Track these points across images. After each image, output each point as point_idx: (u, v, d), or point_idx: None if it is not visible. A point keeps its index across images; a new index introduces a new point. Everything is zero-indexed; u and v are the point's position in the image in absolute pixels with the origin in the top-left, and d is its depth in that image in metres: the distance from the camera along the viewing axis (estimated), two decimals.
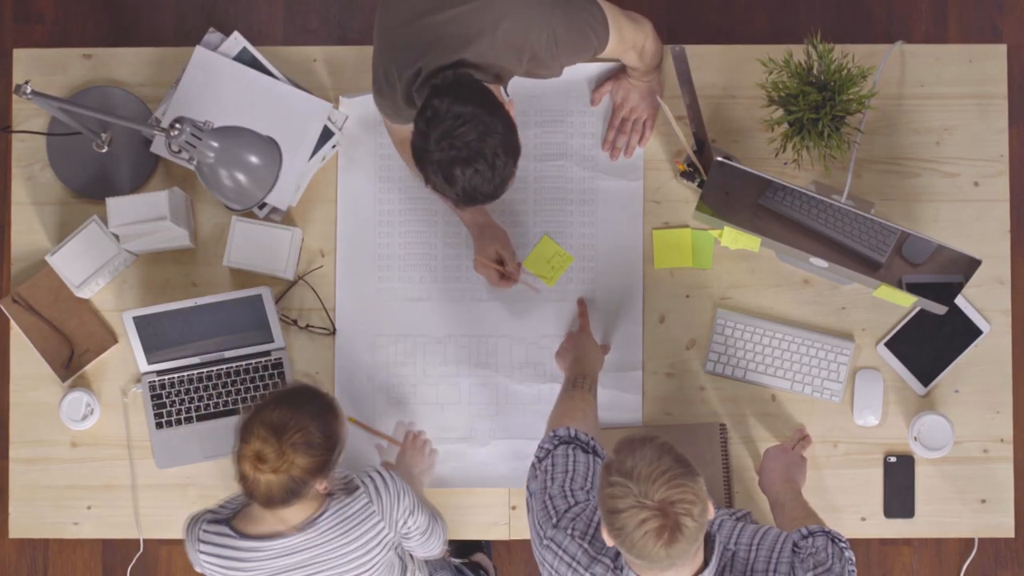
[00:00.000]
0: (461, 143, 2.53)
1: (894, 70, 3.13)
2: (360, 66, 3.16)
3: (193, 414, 3.10)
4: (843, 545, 2.58)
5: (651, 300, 3.12)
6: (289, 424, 2.52)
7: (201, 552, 2.66)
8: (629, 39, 2.85)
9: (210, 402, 3.10)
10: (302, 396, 2.58)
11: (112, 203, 3.00)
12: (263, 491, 2.53)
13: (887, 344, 3.08)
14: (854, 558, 2.64)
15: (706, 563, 2.45)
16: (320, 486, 2.58)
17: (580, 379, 2.87)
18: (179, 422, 3.10)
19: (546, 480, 2.63)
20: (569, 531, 2.57)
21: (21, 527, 3.12)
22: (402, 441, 3.06)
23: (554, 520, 2.60)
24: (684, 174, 3.10)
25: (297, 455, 2.52)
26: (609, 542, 2.40)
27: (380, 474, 2.69)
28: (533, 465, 2.67)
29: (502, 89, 2.70)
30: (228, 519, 2.67)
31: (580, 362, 2.93)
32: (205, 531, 2.66)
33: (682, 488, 2.32)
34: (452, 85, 2.57)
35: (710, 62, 3.15)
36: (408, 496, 2.71)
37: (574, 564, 2.56)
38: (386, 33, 2.70)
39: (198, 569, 2.70)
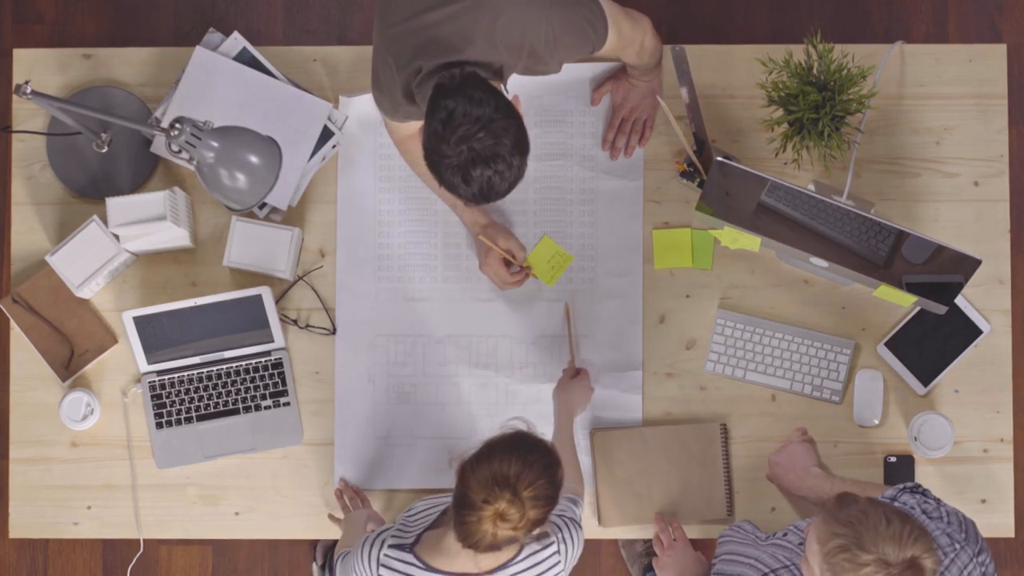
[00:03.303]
0: (480, 146, 2.54)
1: (894, 70, 3.13)
2: (359, 66, 3.16)
3: (193, 414, 3.10)
4: (922, 490, 2.66)
5: (651, 300, 3.11)
6: (525, 477, 2.46)
7: None
8: (628, 35, 2.85)
9: (210, 402, 3.10)
10: (526, 445, 2.50)
11: (112, 203, 3.00)
12: (490, 542, 2.47)
13: (887, 344, 3.08)
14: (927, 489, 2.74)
15: None
16: (536, 532, 2.54)
17: None
18: (179, 422, 3.10)
19: None
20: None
21: (21, 527, 3.12)
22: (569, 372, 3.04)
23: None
24: (684, 174, 3.10)
25: (532, 510, 2.47)
26: None
27: (569, 528, 2.67)
28: None
29: (502, 86, 2.70)
30: (412, 546, 2.62)
31: None
32: (387, 555, 2.61)
33: (918, 541, 2.35)
34: (460, 85, 2.57)
35: (710, 62, 3.15)
36: (582, 543, 2.70)
37: None
38: (385, 30, 2.70)
39: None
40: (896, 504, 2.64)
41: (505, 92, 2.67)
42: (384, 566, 2.61)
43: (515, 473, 2.45)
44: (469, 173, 2.56)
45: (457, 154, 2.55)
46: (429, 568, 2.59)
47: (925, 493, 2.67)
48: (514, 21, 2.65)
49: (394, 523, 2.71)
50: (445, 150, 2.56)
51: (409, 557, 2.60)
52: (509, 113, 2.57)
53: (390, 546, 2.62)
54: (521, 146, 2.59)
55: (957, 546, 2.56)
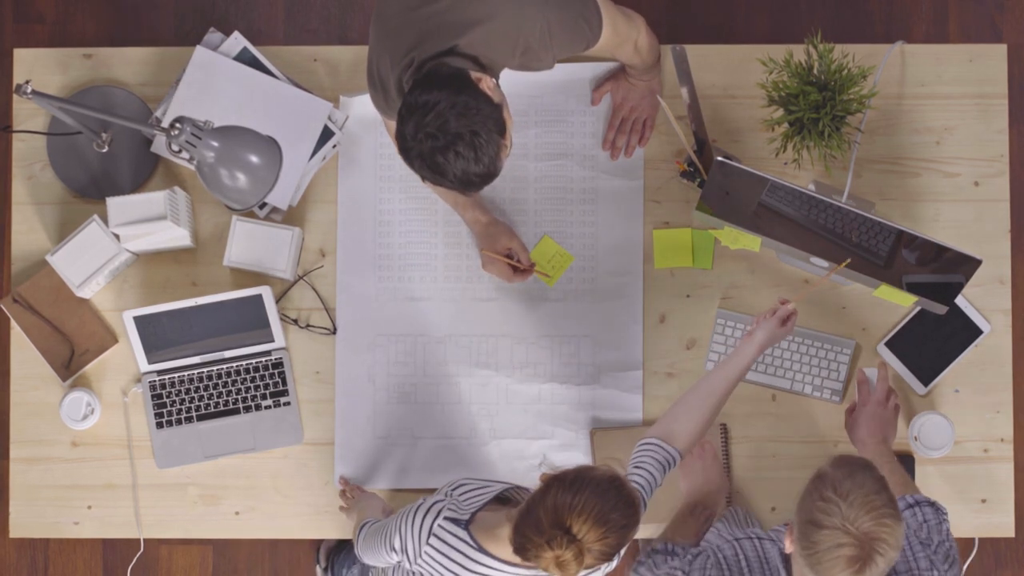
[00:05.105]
0: (435, 130, 2.50)
1: (894, 70, 3.13)
2: (360, 66, 3.16)
3: (193, 414, 3.10)
4: (944, 516, 2.67)
5: (651, 300, 3.12)
6: (595, 533, 2.39)
7: (429, 544, 2.57)
8: (623, 32, 2.85)
9: (210, 402, 3.10)
10: (615, 498, 2.42)
11: (112, 203, 3.00)
12: (533, 565, 2.44)
13: (887, 344, 3.08)
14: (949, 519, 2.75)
15: None
16: None
17: (699, 509, 2.91)
18: (179, 422, 3.10)
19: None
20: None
21: (21, 527, 3.12)
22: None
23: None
24: (684, 174, 3.10)
25: (591, 558, 2.41)
26: (789, 549, 2.42)
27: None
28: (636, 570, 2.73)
29: (492, 79, 2.66)
30: (468, 523, 2.59)
31: (703, 493, 2.95)
32: (441, 526, 2.58)
33: (888, 528, 2.35)
34: (423, 78, 2.56)
35: (710, 62, 3.15)
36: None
37: None
38: (382, 24, 2.70)
39: (409, 556, 2.60)
40: (913, 511, 2.66)
41: (497, 85, 2.65)
42: (435, 535, 2.58)
43: (589, 524, 2.39)
44: (435, 162, 2.53)
45: (417, 143, 2.52)
46: (480, 548, 2.56)
47: (939, 513, 2.68)
48: (511, 16, 2.64)
49: (445, 496, 2.66)
50: (408, 144, 2.54)
51: (463, 533, 2.57)
52: (464, 91, 2.52)
53: (446, 518, 2.59)
54: (486, 122, 2.53)
55: (936, 573, 2.58)
